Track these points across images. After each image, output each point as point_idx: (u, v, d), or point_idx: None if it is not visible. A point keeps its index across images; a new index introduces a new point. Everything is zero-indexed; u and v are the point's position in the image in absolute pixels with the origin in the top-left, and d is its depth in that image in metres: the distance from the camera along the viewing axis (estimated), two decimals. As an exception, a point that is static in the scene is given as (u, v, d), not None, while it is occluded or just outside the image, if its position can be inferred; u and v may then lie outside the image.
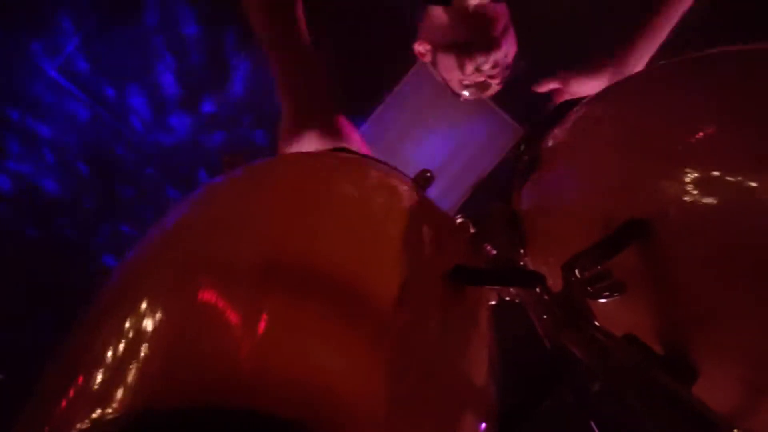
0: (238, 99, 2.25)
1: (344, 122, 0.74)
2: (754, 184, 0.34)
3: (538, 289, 0.44)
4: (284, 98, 0.73)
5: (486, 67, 1.05)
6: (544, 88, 0.97)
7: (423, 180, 0.58)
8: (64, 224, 2.24)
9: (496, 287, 0.54)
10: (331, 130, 0.72)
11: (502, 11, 1.05)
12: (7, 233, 2.17)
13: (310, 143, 0.71)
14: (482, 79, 1.09)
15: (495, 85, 1.14)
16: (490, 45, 1.02)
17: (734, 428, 0.33)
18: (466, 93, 1.16)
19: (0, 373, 1.96)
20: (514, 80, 1.16)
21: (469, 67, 1.05)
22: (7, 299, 2.09)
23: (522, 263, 0.62)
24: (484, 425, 0.39)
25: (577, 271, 0.42)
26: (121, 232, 2.27)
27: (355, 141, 0.73)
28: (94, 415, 0.27)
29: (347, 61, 2.13)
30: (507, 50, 1.06)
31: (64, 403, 0.29)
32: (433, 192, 0.59)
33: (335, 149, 0.72)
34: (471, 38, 1.02)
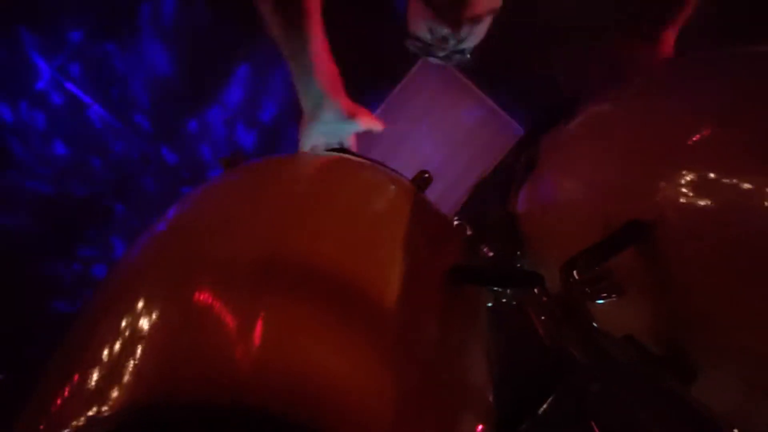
0: (236, 101, 2.25)
1: (353, 103, 0.79)
2: (750, 186, 0.34)
3: (536, 290, 0.44)
4: (299, 85, 0.78)
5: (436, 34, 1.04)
6: None
7: (422, 181, 0.58)
8: (61, 225, 2.24)
9: (495, 288, 0.54)
10: (348, 108, 0.77)
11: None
12: (6, 232, 2.17)
13: (327, 124, 0.76)
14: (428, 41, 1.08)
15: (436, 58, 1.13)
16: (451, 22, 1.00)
17: (734, 428, 0.33)
18: (416, 43, 1.15)
19: (0, 373, 1.95)
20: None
21: (423, 25, 1.04)
22: (7, 299, 2.09)
23: (520, 264, 0.62)
24: (482, 425, 0.39)
25: (575, 272, 0.42)
26: (117, 236, 2.26)
27: (368, 117, 0.79)
28: (90, 413, 0.27)
29: (347, 63, 2.13)
30: (465, 36, 1.04)
31: (60, 401, 0.29)
32: (431, 193, 0.59)
33: (334, 150, 0.72)
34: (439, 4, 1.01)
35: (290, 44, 0.75)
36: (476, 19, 1.01)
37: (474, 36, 1.05)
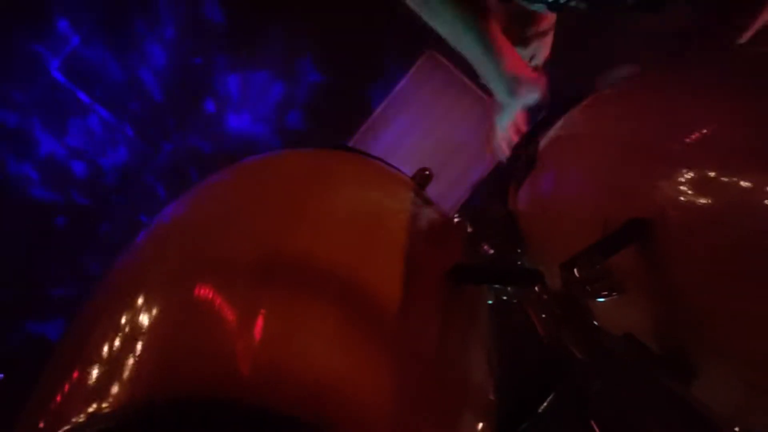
0: (232, 100, 2.25)
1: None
2: (750, 186, 0.34)
3: (536, 288, 0.44)
4: (489, 80, 0.85)
5: None
6: None
7: (422, 178, 0.59)
8: (61, 223, 2.24)
9: (495, 286, 0.54)
10: (541, 81, 0.84)
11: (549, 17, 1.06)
12: (6, 231, 2.17)
13: (524, 101, 0.85)
14: None
15: None
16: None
17: (734, 428, 0.33)
18: None
19: (0, 373, 1.96)
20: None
21: None
22: (6, 298, 2.09)
23: (520, 262, 0.62)
24: (482, 423, 0.39)
25: (575, 270, 0.42)
26: (117, 234, 2.26)
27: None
28: (90, 409, 0.27)
29: (348, 62, 2.13)
30: (536, 51, 1.07)
31: (60, 398, 0.29)
32: (432, 191, 0.59)
33: (337, 147, 0.72)
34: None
35: (472, 49, 0.80)
36: (542, 35, 1.04)
37: (542, 50, 1.07)
